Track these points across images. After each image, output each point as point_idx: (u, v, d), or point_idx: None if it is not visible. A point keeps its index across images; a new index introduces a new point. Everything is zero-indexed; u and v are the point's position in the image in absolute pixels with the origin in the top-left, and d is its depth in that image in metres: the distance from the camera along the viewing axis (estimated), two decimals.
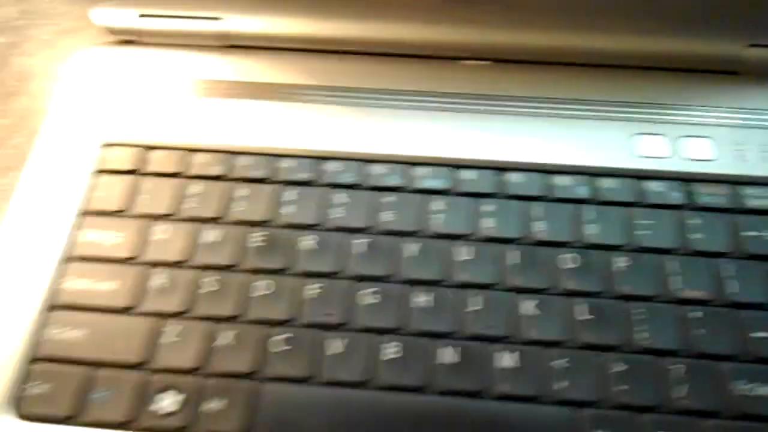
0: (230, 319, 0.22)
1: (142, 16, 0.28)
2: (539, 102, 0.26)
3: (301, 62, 0.28)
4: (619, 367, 0.21)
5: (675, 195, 0.24)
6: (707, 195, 0.24)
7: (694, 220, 0.23)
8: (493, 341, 0.21)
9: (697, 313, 0.22)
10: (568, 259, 0.23)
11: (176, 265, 0.23)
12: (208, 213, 0.24)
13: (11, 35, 0.34)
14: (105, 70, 0.28)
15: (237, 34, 0.28)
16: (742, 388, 0.20)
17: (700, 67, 0.27)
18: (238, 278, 0.22)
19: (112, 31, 0.28)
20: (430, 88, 0.27)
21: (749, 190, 0.24)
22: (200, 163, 0.25)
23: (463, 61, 0.27)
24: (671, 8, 0.26)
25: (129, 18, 0.28)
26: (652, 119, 0.26)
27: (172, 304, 0.22)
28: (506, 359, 0.21)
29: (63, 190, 0.24)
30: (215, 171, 0.25)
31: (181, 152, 0.25)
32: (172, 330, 0.21)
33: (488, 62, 0.27)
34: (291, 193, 0.24)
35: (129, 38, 0.28)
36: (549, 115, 0.26)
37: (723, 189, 0.24)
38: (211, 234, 0.23)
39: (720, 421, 0.20)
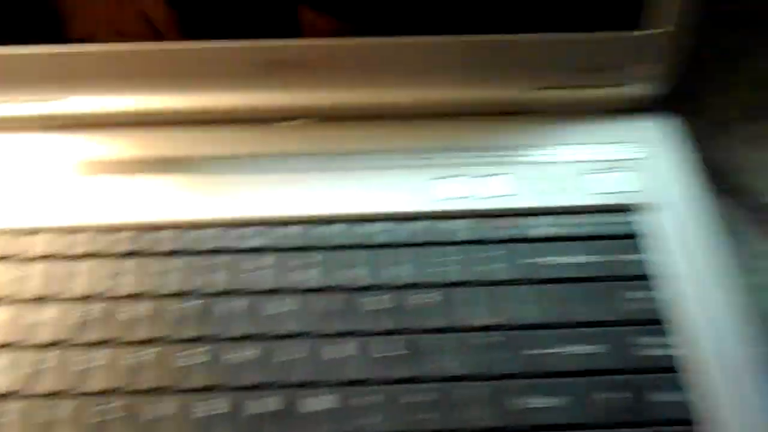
0: (60, 393, 0.23)
1: None
2: (348, 156, 0.29)
3: (129, 136, 0.30)
4: (421, 397, 0.23)
5: (469, 232, 0.27)
6: (498, 229, 0.27)
7: (485, 252, 0.26)
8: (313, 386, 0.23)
9: (483, 338, 0.24)
10: (374, 302, 0.25)
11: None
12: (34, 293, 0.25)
13: None
14: None
15: (69, 116, 0.30)
16: (522, 401, 0.23)
17: (497, 111, 0.30)
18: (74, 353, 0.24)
19: None
20: (251, 150, 0.29)
21: (530, 221, 0.27)
22: (38, 245, 0.27)
23: (277, 123, 0.30)
24: (467, 61, 0.29)
25: None
26: (453, 163, 0.29)
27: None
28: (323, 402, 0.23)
29: None
30: (51, 250, 0.26)
31: (14, 235, 0.27)
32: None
33: (300, 121, 0.30)
34: (128, 265, 0.26)
35: None
36: (356, 168, 0.28)
37: (505, 222, 0.27)
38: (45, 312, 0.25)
39: None
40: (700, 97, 0.34)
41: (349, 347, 0.24)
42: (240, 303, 0.25)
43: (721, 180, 0.31)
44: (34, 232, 0.27)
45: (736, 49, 0.36)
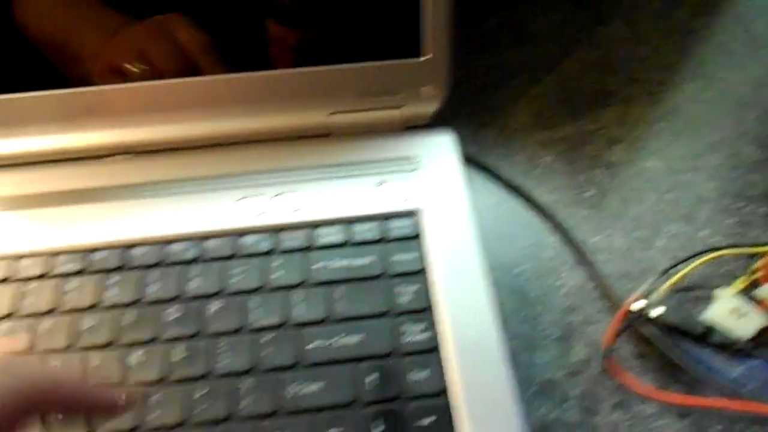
0: None
1: None
2: (170, 184, 0.32)
3: None
4: (202, 391, 0.26)
5: (263, 244, 0.30)
6: (288, 240, 0.30)
7: (276, 261, 0.30)
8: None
9: (268, 336, 0.28)
10: (173, 311, 0.28)
11: None
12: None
13: None
14: None
15: None
16: (296, 389, 0.27)
17: (296, 135, 0.34)
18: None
19: None
20: (76, 186, 0.32)
21: (322, 230, 0.31)
22: None
23: (101, 159, 0.33)
24: (267, 92, 0.33)
25: None
26: (254, 185, 0.32)
27: None
28: None
29: None
30: None
31: None
32: None
33: (121, 156, 0.33)
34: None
35: None
36: (172, 194, 0.32)
37: (300, 233, 0.31)
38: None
39: (276, 419, 0.26)
40: (489, 108, 0.39)
41: (150, 352, 0.27)
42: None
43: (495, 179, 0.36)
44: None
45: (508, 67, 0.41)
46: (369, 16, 0.32)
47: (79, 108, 0.32)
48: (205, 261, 0.30)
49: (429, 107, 0.34)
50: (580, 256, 0.33)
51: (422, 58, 0.32)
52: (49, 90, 0.31)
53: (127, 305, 0.29)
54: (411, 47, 0.32)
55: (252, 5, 0.31)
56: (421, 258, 0.30)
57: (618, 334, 0.30)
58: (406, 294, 0.29)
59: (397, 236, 0.31)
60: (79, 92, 0.32)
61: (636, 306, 0.30)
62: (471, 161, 0.36)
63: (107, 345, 0.28)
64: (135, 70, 0.31)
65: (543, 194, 0.36)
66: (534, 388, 0.29)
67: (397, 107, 0.34)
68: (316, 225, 0.31)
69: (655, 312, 0.30)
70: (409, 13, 0.31)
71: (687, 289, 0.32)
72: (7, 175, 0.33)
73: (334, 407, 0.26)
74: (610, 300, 0.31)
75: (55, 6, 0.32)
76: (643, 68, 0.41)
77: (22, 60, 0.31)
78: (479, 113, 0.39)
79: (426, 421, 0.26)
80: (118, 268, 0.30)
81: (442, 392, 0.27)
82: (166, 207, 0.32)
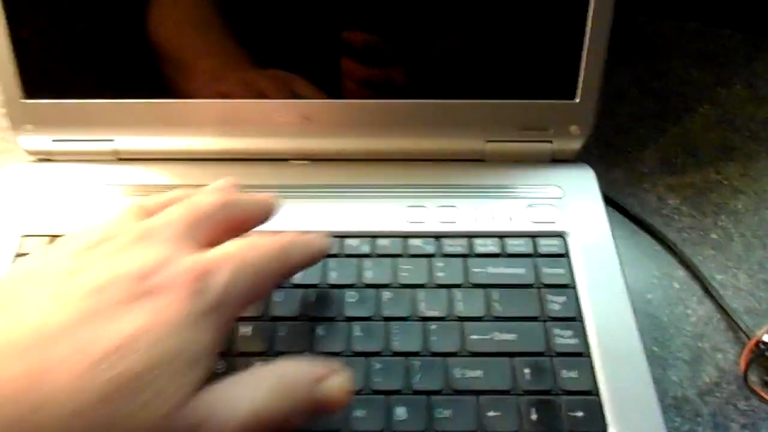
0: None
1: (54, 141, 0.38)
2: (346, 188, 0.37)
3: (175, 168, 0.38)
4: (377, 365, 0.30)
5: (428, 247, 0.35)
6: (449, 246, 0.35)
7: (439, 263, 0.34)
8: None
9: (434, 325, 0.32)
10: (352, 295, 0.33)
11: None
12: None
13: None
14: (25, 181, 0.37)
15: (126, 151, 0.38)
16: (460, 372, 0.30)
17: (458, 157, 0.39)
18: None
19: (32, 153, 0.39)
20: (268, 182, 0.37)
21: (478, 241, 0.35)
22: None
23: (289, 162, 0.39)
24: (436, 118, 0.38)
25: (44, 143, 0.38)
26: (420, 195, 0.37)
27: None
28: None
29: None
30: None
31: None
32: None
33: (307, 161, 0.38)
34: None
35: (45, 157, 0.39)
36: (353, 197, 0.37)
37: (460, 241, 0.35)
38: None
39: (442, 396, 0.30)
40: (620, 151, 0.43)
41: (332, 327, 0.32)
42: None
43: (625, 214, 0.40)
44: None
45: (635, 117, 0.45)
46: (534, 61, 0.37)
47: (271, 115, 0.38)
48: (378, 256, 0.34)
49: (575, 144, 0.38)
50: (707, 289, 0.36)
51: (576, 100, 0.37)
52: (250, 98, 0.37)
53: (310, 286, 0.33)
54: (568, 90, 0.37)
55: (427, 42, 0.37)
56: (569, 273, 0.34)
57: (749, 364, 0.33)
58: (556, 303, 0.33)
59: (546, 253, 0.35)
60: (274, 103, 0.37)
61: (767, 338, 0.33)
62: (603, 198, 0.40)
63: (295, 318, 0.32)
64: None
65: (670, 232, 0.39)
66: (668, 401, 0.32)
67: (549, 141, 0.38)
68: (473, 235, 0.35)
69: None
70: (570, 60, 0.36)
71: None
72: (208, 168, 0.38)
73: (493, 392, 0.30)
74: (738, 331, 0.34)
75: (183, 27, 0.37)
76: (764, 128, 0.44)
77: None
78: (609, 156, 0.43)
79: (579, 414, 0.29)
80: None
81: (591, 391, 0.30)
82: (340, 207, 0.37)
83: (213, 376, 0.23)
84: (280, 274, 0.27)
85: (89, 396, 0.19)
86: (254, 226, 0.29)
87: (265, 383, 0.23)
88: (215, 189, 0.29)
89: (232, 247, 0.25)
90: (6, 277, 0.23)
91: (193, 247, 0.24)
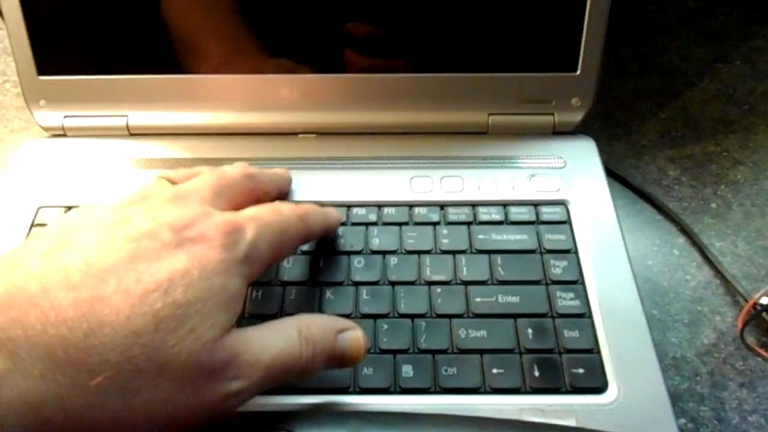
0: None
1: (66, 117, 0.39)
2: (353, 160, 0.38)
3: (185, 143, 0.39)
4: (384, 326, 0.31)
5: (432, 215, 0.36)
6: (453, 214, 0.36)
7: (444, 230, 0.35)
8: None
9: (439, 289, 0.33)
10: (360, 261, 0.34)
11: None
12: None
13: None
14: (41, 156, 0.39)
15: (137, 126, 0.39)
16: (465, 332, 0.31)
17: (461, 130, 0.40)
18: None
19: (47, 128, 0.40)
20: (278, 155, 0.38)
21: (482, 209, 0.36)
22: None
23: (297, 135, 0.39)
24: (438, 92, 0.39)
25: (58, 118, 0.39)
26: (425, 166, 0.38)
27: None
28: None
29: (8, 239, 0.34)
30: None
31: None
32: None
33: (314, 135, 0.39)
34: None
35: (59, 133, 0.40)
36: (359, 168, 0.38)
37: (464, 209, 0.36)
38: None
39: (447, 354, 0.30)
40: (621, 124, 0.44)
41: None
42: None
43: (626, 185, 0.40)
44: None
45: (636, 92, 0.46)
46: (536, 34, 0.37)
47: (279, 90, 0.39)
48: (384, 224, 0.35)
49: (576, 116, 0.39)
50: (706, 256, 0.37)
51: (577, 73, 0.38)
52: (258, 74, 0.38)
53: (319, 253, 0.34)
54: (569, 62, 0.37)
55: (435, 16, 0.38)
56: (571, 239, 0.35)
57: (745, 324, 0.34)
58: (558, 267, 0.34)
59: (548, 220, 0.35)
60: (281, 77, 0.38)
61: (764, 300, 0.34)
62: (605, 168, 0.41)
63: (304, 282, 0.33)
64: None
65: (670, 202, 0.40)
66: (667, 361, 0.33)
67: (550, 114, 0.39)
68: (476, 204, 0.36)
69: None
70: (571, 33, 0.37)
71: None
72: (219, 142, 0.39)
73: (497, 351, 0.31)
74: (736, 295, 0.35)
75: (193, 8, 0.38)
76: (763, 102, 0.45)
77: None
78: (610, 129, 0.44)
79: (579, 371, 0.30)
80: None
81: (592, 349, 0.31)
82: (348, 178, 0.37)
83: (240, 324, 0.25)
84: (298, 237, 0.29)
85: (143, 321, 0.21)
86: (273, 198, 0.33)
87: (292, 330, 0.25)
88: (235, 165, 0.32)
89: (258, 210, 0.28)
90: (51, 228, 0.25)
91: (221, 210, 0.27)
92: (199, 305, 0.22)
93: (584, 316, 0.32)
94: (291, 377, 0.25)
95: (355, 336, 0.27)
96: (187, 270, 0.23)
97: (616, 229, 0.35)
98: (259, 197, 0.31)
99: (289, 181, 0.36)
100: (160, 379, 0.21)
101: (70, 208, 0.36)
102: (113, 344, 0.21)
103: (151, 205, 0.26)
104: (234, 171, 0.31)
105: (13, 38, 0.38)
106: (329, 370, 0.27)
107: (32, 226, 0.35)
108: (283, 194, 0.36)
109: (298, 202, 0.36)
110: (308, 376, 0.25)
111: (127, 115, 0.39)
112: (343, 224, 0.35)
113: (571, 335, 0.31)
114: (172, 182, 0.29)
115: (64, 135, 0.40)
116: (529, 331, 0.31)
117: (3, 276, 0.22)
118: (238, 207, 0.28)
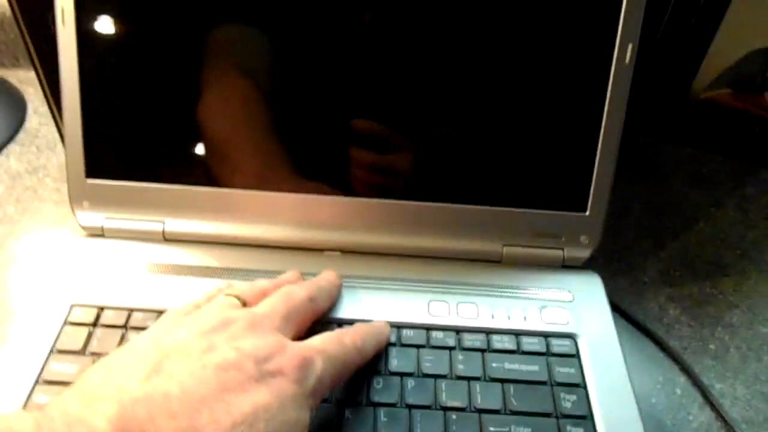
0: None
1: (107, 218, 0.41)
2: (374, 280, 0.40)
3: (217, 252, 0.41)
4: None
5: (449, 340, 0.37)
6: (469, 340, 0.37)
7: (459, 355, 0.36)
8: None
9: (454, 415, 0.34)
10: (377, 382, 0.35)
11: None
12: None
13: (9, 227, 0.46)
14: (78, 254, 0.40)
15: (173, 233, 0.42)
16: None
17: (476, 258, 0.42)
18: None
19: (85, 228, 0.42)
20: (304, 269, 0.40)
21: (495, 337, 0.38)
22: (138, 319, 0.37)
23: (323, 252, 0.42)
24: (456, 221, 0.42)
25: (98, 219, 0.41)
26: (442, 291, 0.40)
27: None
28: None
29: (41, 334, 0.36)
30: (149, 324, 0.37)
31: (125, 311, 0.37)
32: None
33: (339, 253, 0.42)
34: None
35: (97, 233, 0.42)
36: (380, 289, 0.40)
37: (479, 336, 0.38)
38: None
39: None
40: (623, 261, 0.47)
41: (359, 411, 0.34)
42: None
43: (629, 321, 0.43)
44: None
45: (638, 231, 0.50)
46: (550, 176, 0.41)
47: (309, 209, 0.41)
48: (402, 345, 0.37)
49: (584, 252, 0.42)
50: (708, 398, 0.39)
51: (586, 213, 0.41)
52: (290, 192, 0.41)
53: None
54: (579, 203, 0.41)
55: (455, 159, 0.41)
56: (580, 373, 0.36)
57: None
58: (568, 401, 0.35)
59: (558, 352, 0.37)
60: (312, 198, 0.41)
61: None
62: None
63: (324, 400, 0.34)
64: None
65: (671, 340, 0.42)
66: None
67: (560, 248, 0.42)
68: (490, 332, 0.38)
69: None
70: (582, 176, 0.40)
71: None
72: (248, 253, 0.42)
73: None
74: None
75: (230, 124, 0.41)
76: (754, 248, 0.48)
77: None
78: (614, 264, 0.47)
79: None
80: None
81: None
82: (369, 297, 0.39)
83: None
84: (356, 368, 0.33)
85: None
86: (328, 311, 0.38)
87: None
88: (296, 279, 0.38)
89: (324, 342, 0.31)
90: (141, 348, 0.28)
91: (290, 335, 0.31)
92: None
93: None
94: None
95: None
96: (268, 404, 0.25)
97: (622, 365, 0.37)
98: (318, 315, 0.36)
99: (340, 288, 0.39)
100: None
101: (102, 308, 0.37)
102: None
103: (233, 334, 0.29)
104: (299, 294, 0.34)
105: (68, 140, 0.41)
106: None
107: (65, 323, 0.36)
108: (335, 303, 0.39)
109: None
110: None
111: (163, 221, 0.42)
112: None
113: None
114: (242, 300, 0.32)
115: (102, 235, 0.42)
116: None
117: (113, 397, 0.24)
118: (302, 329, 0.33)
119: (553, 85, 0.39)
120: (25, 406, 0.33)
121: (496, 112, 0.40)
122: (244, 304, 0.32)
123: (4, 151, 0.53)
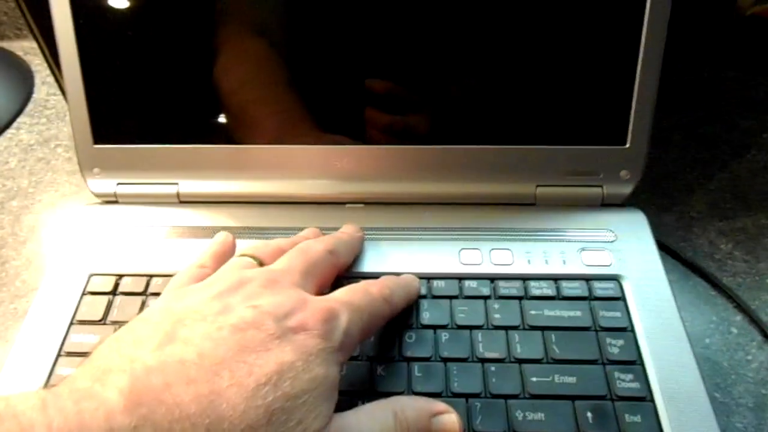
0: None
1: (119, 184, 0.40)
2: (400, 231, 0.38)
3: (234, 211, 0.40)
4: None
5: (483, 289, 0.35)
6: (504, 288, 0.35)
7: (495, 305, 0.34)
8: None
9: (493, 367, 0.32)
10: (410, 336, 0.33)
11: None
12: None
13: (23, 200, 0.45)
14: (93, 222, 0.39)
15: (188, 194, 0.40)
16: (522, 415, 0.30)
17: (508, 201, 0.39)
18: None
19: (98, 195, 0.40)
20: (325, 224, 0.38)
21: (533, 283, 0.35)
22: (157, 285, 0.36)
23: (346, 205, 0.40)
24: (488, 163, 0.39)
25: (110, 186, 0.40)
26: (473, 238, 0.38)
27: None
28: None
29: (61, 306, 0.35)
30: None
31: (144, 278, 0.36)
32: None
33: (362, 205, 0.40)
34: None
35: (111, 200, 0.40)
36: (407, 239, 0.38)
37: (515, 283, 0.35)
38: None
39: None
40: (668, 195, 0.44)
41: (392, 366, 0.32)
42: None
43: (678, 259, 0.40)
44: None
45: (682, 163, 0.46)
46: (585, 107, 0.38)
47: (329, 161, 0.39)
48: (434, 297, 0.35)
49: (626, 189, 0.39)
50: (767, 335, 0.36)
51: (627, 146, 0.38)
52: (309, 145, 0.39)
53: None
54: (619, 136, 0.37)
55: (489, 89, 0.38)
56: (627, 317, 0.34)
57: None
58: (615, 346, 0.33)
59: (601, 296, 0.35)
60: (331, 148, 0.39)
61: None
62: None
63: (355, 358, 0.32)
64: None
65: (724, 277, 0.39)
66: None
67: (599, 186, 0.39)
68: (527, 278, 0.36)
69: None
70: (620, 106, 0.37)
71: None
72: (266, 210, 0.40)
73: None
74: None
75: (246, 82, 0.39)
76: None
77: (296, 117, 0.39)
78: (658, 200, 0.44)
79: None
80: None
81: None
82: (395, 249, 0.37)
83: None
84: (384, 319, 0.30)
85: (256, 415, 0.22)
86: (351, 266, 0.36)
87: (388, 413, 0.26)
88: (314, 235, 0.36)
89: (349, 294, 0.29)
90: (152, 317, 0.26)
91: (311, 291, 0.29)
92: (305, 396, 0.23)
93: (645, 399, 0.31)
94: None
95: (449, 420, 0.27)
96: (293, 362, 0.24)
97: (673, 306, 0.34)
98: (340, 270, 0.34)
99: (362, 240, 0.37)
100: None
101: (121, 276, 0.36)
102: None
103: (249, 293, 0.26)
104: (317, 248, 0.32)
105: (72, 107, 0.39)
106: None
107: (84, 293, 0.35)
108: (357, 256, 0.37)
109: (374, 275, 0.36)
110: None
111: (177, 183, 0.40)
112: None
113: (632, 420, 0.30)
114: (258, 260, 0.30)
115: (116, 201, 0.40)
116: (589, 414, 0.30)
117: (124, 368, 0.22)
118: (324, 284, 0.31)
119: (587, 4, 0.35)
120: (48, 379, 0.32)
121: (524, 36, 0.37)
122: (261, 264, 0.31)
123: (14, 123, 0.51)
